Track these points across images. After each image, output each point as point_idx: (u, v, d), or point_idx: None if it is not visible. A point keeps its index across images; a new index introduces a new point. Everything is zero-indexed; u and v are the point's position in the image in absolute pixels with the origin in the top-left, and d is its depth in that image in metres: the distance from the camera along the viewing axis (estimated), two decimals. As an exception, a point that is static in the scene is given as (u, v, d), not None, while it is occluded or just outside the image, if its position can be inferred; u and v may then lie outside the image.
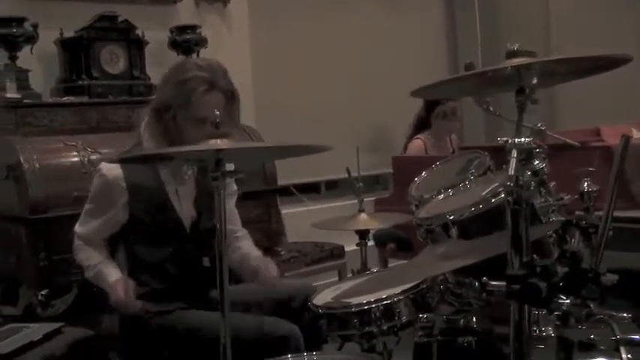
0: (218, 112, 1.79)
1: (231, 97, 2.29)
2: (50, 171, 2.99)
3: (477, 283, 1.70)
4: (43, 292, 2.91)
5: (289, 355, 1.97)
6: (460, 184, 2.12)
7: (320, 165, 4.48)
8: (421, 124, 4.34)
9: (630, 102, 5.20)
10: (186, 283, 2.32)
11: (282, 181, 3.96)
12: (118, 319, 2.37)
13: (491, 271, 1.57)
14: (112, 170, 2.29)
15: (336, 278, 3.98)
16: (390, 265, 3.99)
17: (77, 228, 2.39)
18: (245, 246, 2.50)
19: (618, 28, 5.62)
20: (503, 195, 1.39)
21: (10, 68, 3.30)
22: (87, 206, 2.37)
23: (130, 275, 2.29)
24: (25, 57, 3.39)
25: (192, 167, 2.34)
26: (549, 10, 5.58)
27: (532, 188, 1.81)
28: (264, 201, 3.64)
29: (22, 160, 2.95)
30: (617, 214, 2.61)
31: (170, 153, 2.02)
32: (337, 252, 4.13)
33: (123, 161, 2.25)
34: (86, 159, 3.05)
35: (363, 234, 2.66)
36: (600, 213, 1.65)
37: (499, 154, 1.59)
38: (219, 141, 1.60)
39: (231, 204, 2.50)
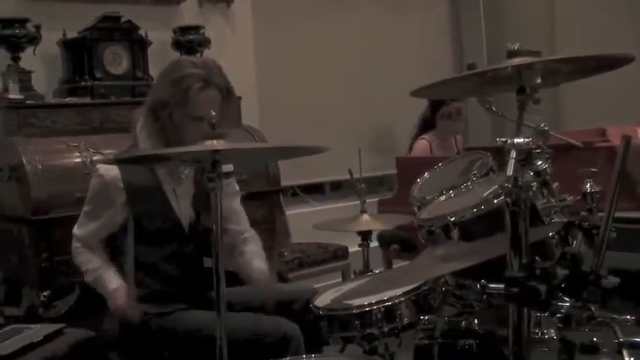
0: (214, 113, 1.77)
1: (227, 93, 2.29)
2: (52, 172, 2.99)
3: (477, 286, 1.68)
4: (45, 293, 2.91)
5: (288, 358, 1.96)
6: (462, 185, 2.11)
7: (324, 166, 4.48)
8: (426, 125, 4.33)
9: (636, 102, 5.17)
10: (185, 283, 2.31)
11: (286, 182, 3.95)
12: (118, 321, 2.36)
13: (492, 273, 1.55)
14: (110, 171, 2.29)
15: (340, 279, 3.97)
16: (394, 266, 3.98)
17: (76, 230, 2.38)
18: (250, 251, 2.46)
19: (624, 28, 5.60)
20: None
21: (12, 69, 3.29)
22: (85, 208, 2.37)
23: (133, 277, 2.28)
24: (28, 58, 3.39)
25: (189, 167, 2.33)
26: (555, 10, 5.56)
27: (534, 189, 1.81)
28: (267, 202, 3.64)
29: (24, 161, 2.95)
30: (622, 215, 2.59)
31: (166, 154, 2.01)
32: (341, 253, 4.12)
33: (119, 162, 2.25)
34: (88, 160, 3.05)
35: (365, 235, 2.64)
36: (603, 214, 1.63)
37: (502, 154, 1.57)
38: (215, 142, 1.58)
39: (235, 204, 2.49)
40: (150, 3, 3.91)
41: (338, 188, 5.08)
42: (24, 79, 3.32)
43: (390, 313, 1.99)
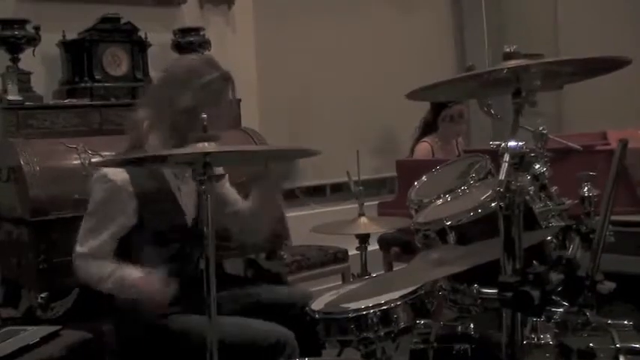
0: (206, 116, 1.76)
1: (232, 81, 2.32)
2: (51, 173, 2.97)
3: (472, 290, 1.67)
4: (43, 295, 2.90)
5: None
6: (459, 188, 2.09)
7: (325, 168, 4.46)
8: (428, 127, 4.32)
9: (638, 105, 5.14)
10: (184, 285, 2.29)
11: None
12: (114, 323, 2.35)
13: (488, 277, 1.54)
14: (119, 175, 2.21)
15: (340, 282, 3.96)
16: (395, 268, 3.97)
17: (79, 248, 2.24)
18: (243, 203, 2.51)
19: (629, 30, 5.56)
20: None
21: (12, 70, 3.28)
22: (90, 219, 2.26)
23: None
24: (28, 59, 3.38)
25: None
26: (558, 12, 5.53)
27: (532, 193, 1.80)
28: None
29: (22, 163, 2.94)
30: (624, 218, 2.58)
31: (160, 156, 1.99)
32: (341, 256, 4.11)
33: (120, 165, 2.23)
34: (87, 161, 3.03)
35: (363, 238, 2.63)
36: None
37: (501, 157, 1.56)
38: (207, 144, 1.57)
39: (224, 186, 2.49)
40: (150, 4, 3.90)
41: (339, 190, 5.06)
42: (23, 80, 3.32)
43: (386, 316, 1.97)
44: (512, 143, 1.34)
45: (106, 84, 3.48)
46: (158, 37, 3.76)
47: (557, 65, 1.48)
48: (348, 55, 5.03)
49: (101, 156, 3.05)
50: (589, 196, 1.77)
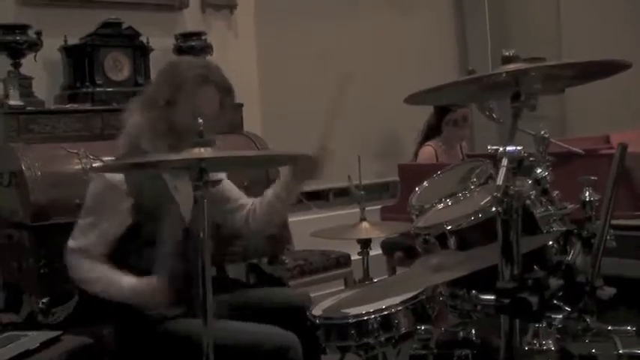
0: (201, 120, 1.75)
1: (225, 92, 2.31)
2: (52, 178, 2.97)
3: (473, 296, 1.66)
4: (44, 300, 2.89)
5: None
6: (460, 193, 2.08)
7: (328, 172, 4.44)
8: (432, 131, 4.31)
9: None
10: (182, 287, 2.28)
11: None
12: (115, 326, 2.35)
13: (487, 282, 1.52)
14: (114, 174, 2.25)
15: (343, 287, 3.94)
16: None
17: (72, 243, 2.27)
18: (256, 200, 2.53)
19: (631, 31, 5.54)
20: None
21: (13, 75, 3.28)
22: (85, 216, 2.30)
23: None
24: (29, 64, 3.38)
25: None
26: (560, 16, 5.52)
27: (532, 197, 1.78)
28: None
29: (24, 167, 2.94)
30: (627, 222, 2.56)
31: (152, 162, 1.99)
32: (343, 260, 4.10)
33: (116, 170, 2.22)
34: (88, 166, 3.03)
35: (365, 243, 2.62)
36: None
37: (502, 162, 1.54)
38: (202, 149, 1.57)
39: (224, 182, 2.49)
40: (152, 9, 3.90)
41: (342, 195, 5.04)
42: (25, 85, 3.31)
43: (387, 322, 1.96)
44: (510, 148, 1.33)
45: (108, 89, 3.47)
46: (160, 42, 3.75)
47: (556, 69, 1.46)
48: (350, 59, 5.02)
49: (102, 161, 3.05)
50: (590, 201, 1.75)
